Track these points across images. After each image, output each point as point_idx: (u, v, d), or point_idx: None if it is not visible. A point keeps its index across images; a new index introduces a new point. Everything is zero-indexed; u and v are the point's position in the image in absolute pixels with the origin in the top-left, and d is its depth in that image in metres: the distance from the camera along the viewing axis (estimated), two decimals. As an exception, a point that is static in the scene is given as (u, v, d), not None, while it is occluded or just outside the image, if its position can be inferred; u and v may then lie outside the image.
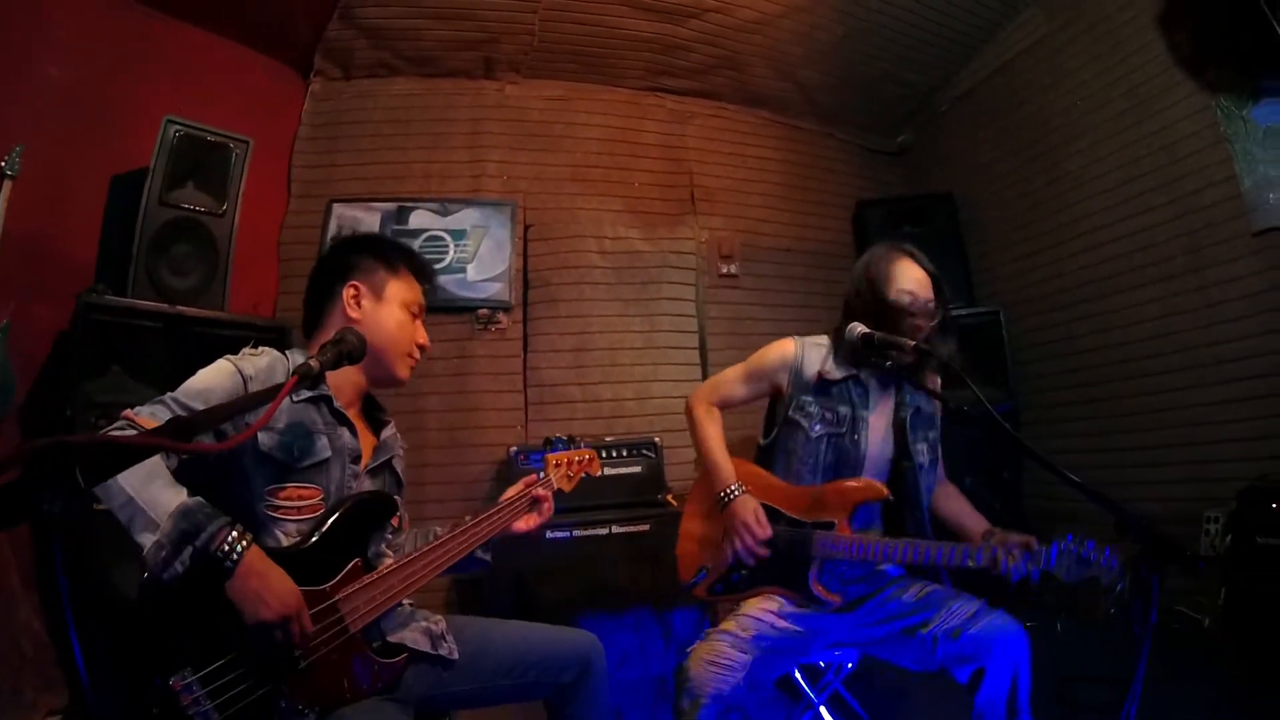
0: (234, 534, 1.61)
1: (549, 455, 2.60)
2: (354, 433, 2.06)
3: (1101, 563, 2.06)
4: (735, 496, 2.59)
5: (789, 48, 5.17)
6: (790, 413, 2.66)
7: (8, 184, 2.83)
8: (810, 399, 2.64)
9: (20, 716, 2.52)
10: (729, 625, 2.41)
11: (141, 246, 3.09)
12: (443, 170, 4.93)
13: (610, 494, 4.00)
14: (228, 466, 1.81)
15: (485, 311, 4.76)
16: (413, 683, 1.97)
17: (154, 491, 1.57)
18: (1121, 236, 4.34)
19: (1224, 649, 3.16)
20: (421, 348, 2.22)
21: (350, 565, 1.88)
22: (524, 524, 2.31)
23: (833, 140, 6.08)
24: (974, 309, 5.01)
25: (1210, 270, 3.88)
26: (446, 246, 4.77)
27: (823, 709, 2.87)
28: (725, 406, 2.86)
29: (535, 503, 2.35)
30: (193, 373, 1.86)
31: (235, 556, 1.60)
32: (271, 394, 1.52)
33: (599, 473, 2.76)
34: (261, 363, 1.92)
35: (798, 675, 2.81)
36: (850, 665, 2.83)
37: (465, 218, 4.85)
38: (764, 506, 2.57)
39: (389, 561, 2.01)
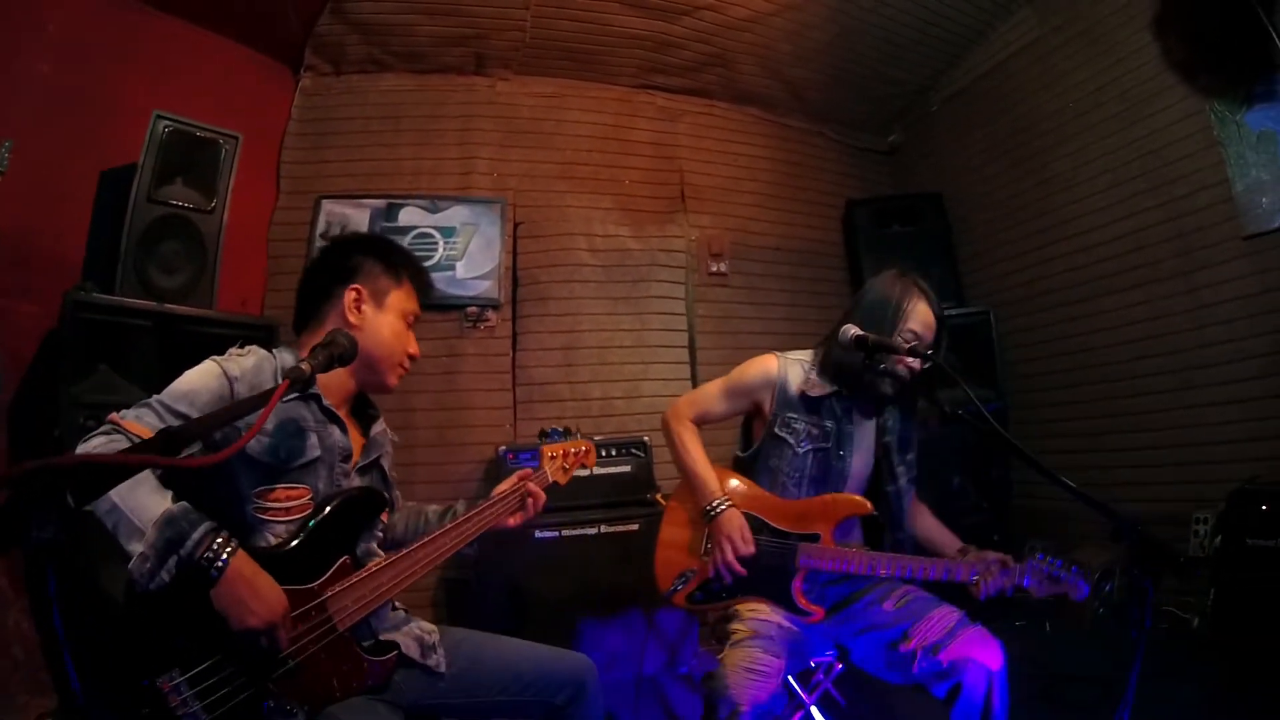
0: (219, 540, 1.60)
1: (544, 446, 2.58)
2: (344, 430, 2.05)
3: (1070, 580, 2.15)
4: (722, 511, 2.57)
5: (780, 46, 5.17)
6: (775, 429, 2.65)
7: (-4, 179, 2.80)
8: (796, 415, 2.63)
9: (11, 720, 2.51)
10: (745, 630, 2.39)
11: (130, 243, 3.06)
12: (433, 167, 4.91)
13: (599, 493, 4.00)
14: (216, 470, 1.78)
15: (474, 309, 4.74)
16: (403, 686, 1.96)
17: (139, 497, 1.56)
18: (1112, 239, 4.37)
19: (1213, 649, 3.18)
20: (412, 357, 2.20)
21: (338, 563, 1.86)
22: (515, 520, 2.30)
23: (822, 139, 6.09)
24: (964, 309, 5.01)
25: (1201, 273, 3.91)
26: (436, 244, 4.75)
27: (814, 709, 2.88)
28: (703, 422, 2.82)
29: (526, 498, 2.33)
30: (180, 372, 1.84)
31: (220, 564, 1.59)
32: (263, 400, 1.51)
33: (594, 464, 2.74)
34: (248, 363, 1.90)
35: (789, 676, 2.81)
36: (841, 666, 2.84)
37: (455, 215, 4.83)
38: (749, 516, 2.58)
39: (378, 559, 2.00)
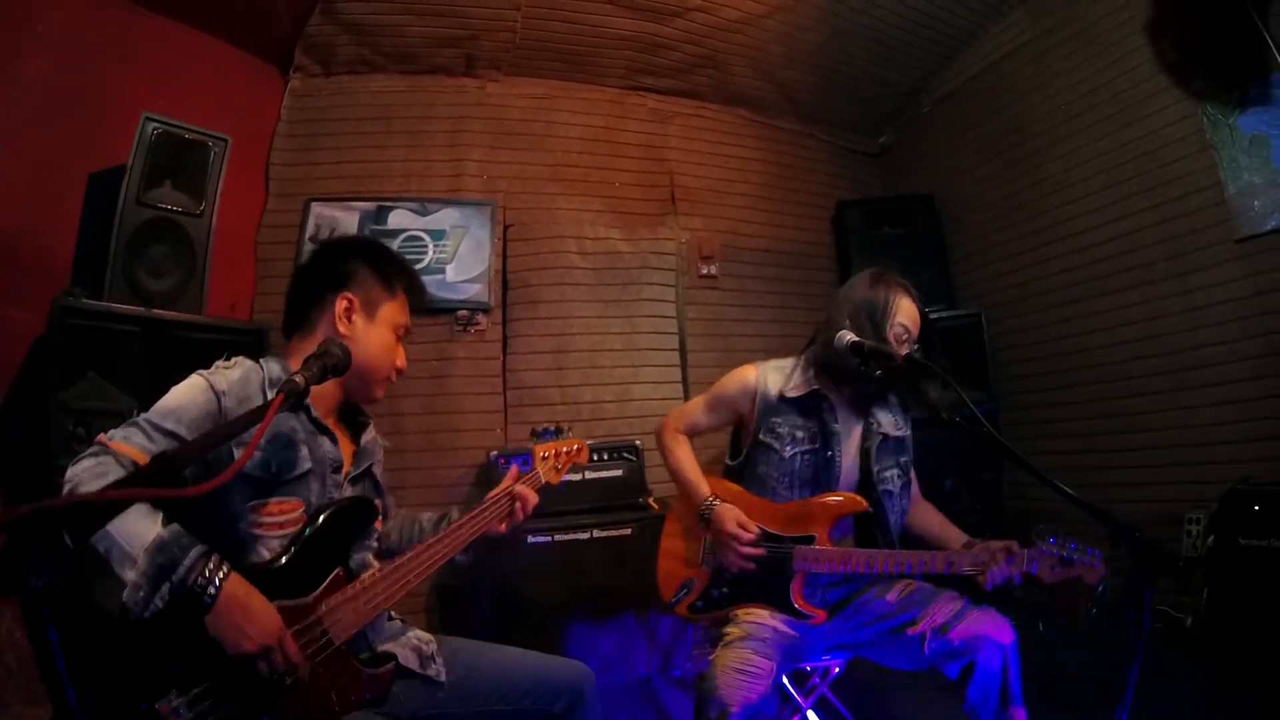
0: (210, 565, 1.58)
1: (536, 446, 2.56)
2: (334, 441, 2.02)
3: (1085, 562, 2.11)
4: (714, 508, 2.59)
5: (771, 47, 5.16)
6: (760, 436, 2.68)
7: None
8: (779, 420, 2.65)
9: (6, 730, 2.48)
10: (739, 632, 2.39)
11: (119, 247, 3.01)
12: (423, 169, 4.87)
13: (591, 497, 4.00)
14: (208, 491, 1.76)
15: (465, 313, 4.71)
16: (402, 698, 1.95)
17: (129, 523, 1.54)
18: (1105, 240, 4.38)
19: (1207, 648, 3.21)
20: (399, 371, 2.17)
21: (332, 576, 1.84)
22: (504, 525, 2.28)
23: (813, 140, 6.09)
24: (955, 310, 5.03)
25: (1193, 275, 3.92)
26: (425, 247, 4.72)
27: (810, 713, 2.88)
28: (693, 434, 2.88)
29: (516, 500, 2.29)
30: (168, 379, 1.82)
31: (214, 590, 1.56)
32: (257, 416, 1.49)
33: (587, 461, 2.73)
34: (234, 375, 1.87)
35: (785, 680, 2.80)
36: (837, 669, 2.84)
37: (445, 218, 4.80)
38: None
39: (372, 570, 1.97)
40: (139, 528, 1.54)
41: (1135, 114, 4.18)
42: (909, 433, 2.76)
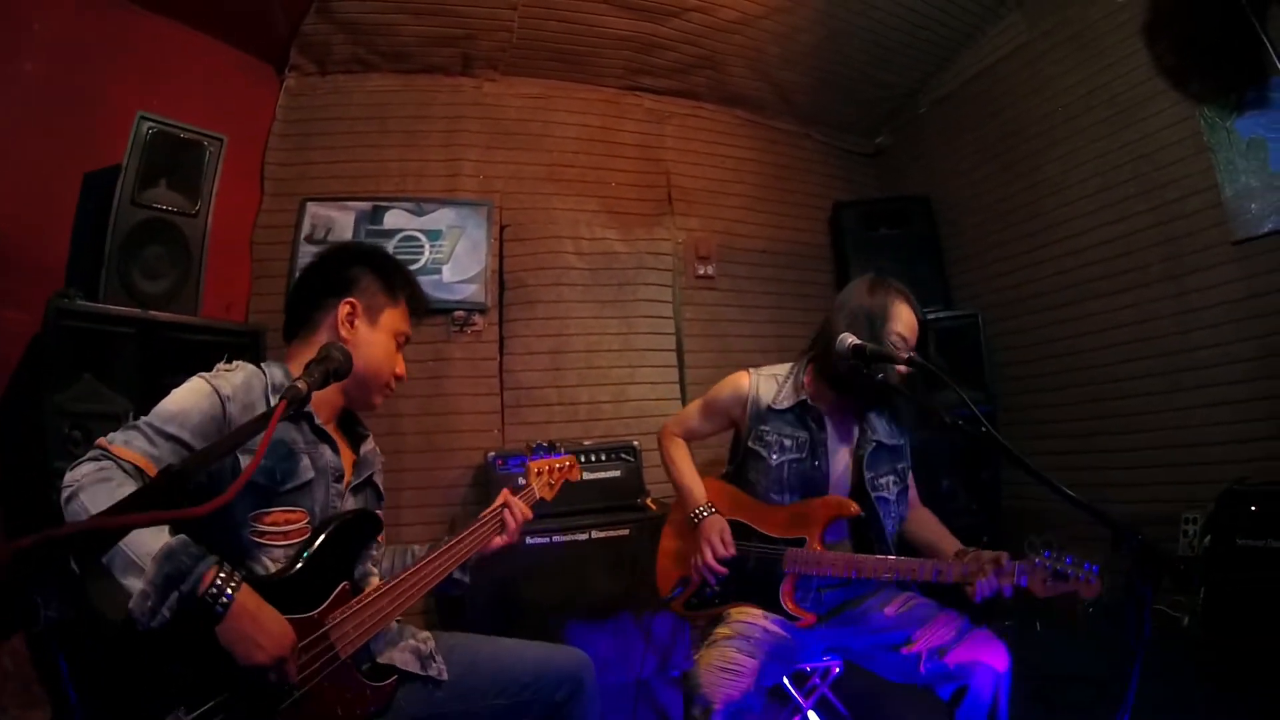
0: (222, 575, 1.55)
1: (530, 463, 2.61)
2: (335, 450, 2.02)
3: (1081, 577, 2.07)
4: (704, 517, 2.64)
5: (769, 48, 5.15)
6: (749, 443, 2.71)
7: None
8: (767, 428, 2.68)
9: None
10: (725, 631, 2.41)
11: (113, 248, 2.98)
12: (419, 169, 4.85)
13: (589, 498, 3.98)
14: (210, 496, 1.73)
15: (461, 313, 4.69)
16: (404, 704, 1.94)
17: (136, 531, 1.51)
18: (1101, 242, 4.39)
19: (1204, 648, 3.21)
20: (398, 378, 2.18)
21: (338, 589, 1.83)
22: (499, 541, 2.27)
23: (810, 141, 6.09)
24: (952, 311, 5.03)
25: (1189, 277, 3.93)
26: (422, 247, 4.70)
27: (811, 713, 2.89)
28: (690, 439, 2.94)
29: (508, 507, 2.30)
30: (163, 380, 1.81)
31: (225, 599, 1.54)
32: (260, 425, 1.47)
33: (578, 478, 2.76)
34: (237, 379, 1.86)
35: (785, 680, 2.81)
36: (838, 670, 2.85)
37: (441, 218, 4.79)
38: (737, 523, 2.62)
39: (375, 583, 1.96)
40: (145, 536, 1.51)
41: (1132, 117, 4.18)
42: (906, 440, 2.76)
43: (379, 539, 2.11)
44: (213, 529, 1.69)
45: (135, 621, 1.47)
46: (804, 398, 2.64)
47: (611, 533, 3.89)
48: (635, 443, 4.26)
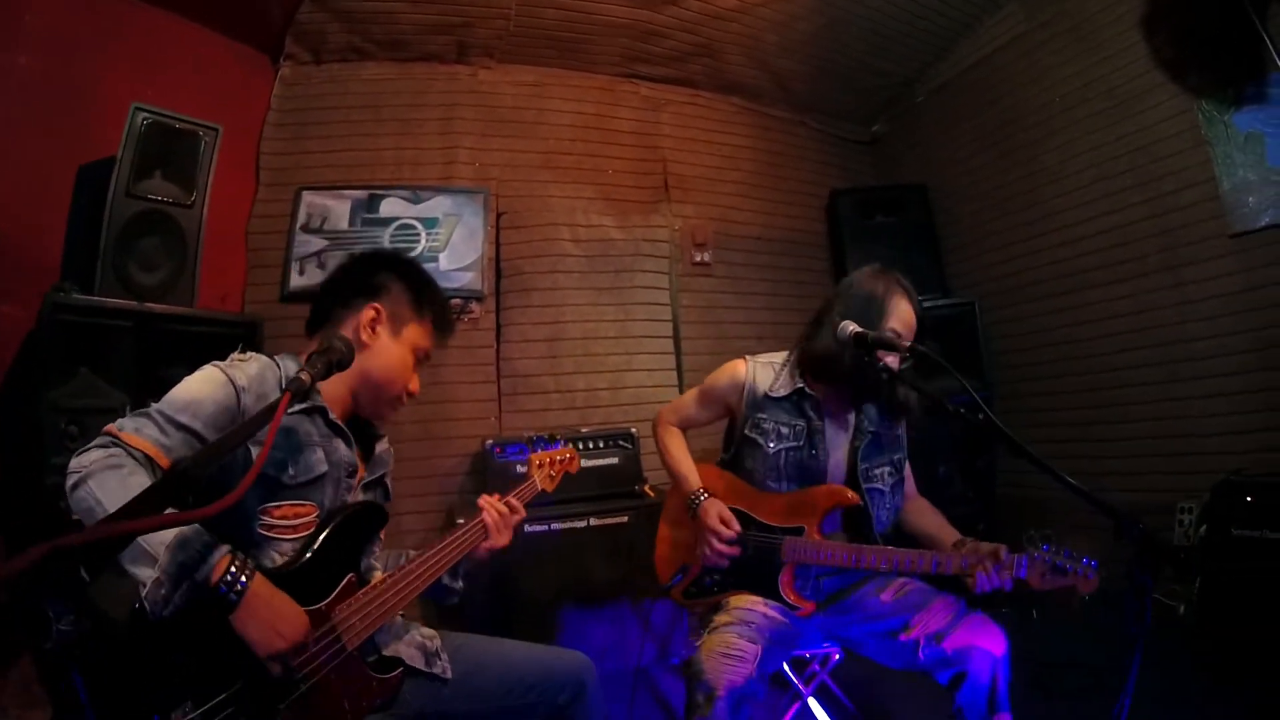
0: (236, 563, 1.56)
1: (532, 455, 2.61)
2: (350, 444, 2.01)
3: (1079, 571, 2.06)
4: (701, 502, 2.63)
5: (767, 36, 5.14)
6: (746, 430, 2.70)
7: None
8: (764, 415, 2.67)
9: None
10: (726, 618, 2.40)
11: (109, 240, 2.96)
12: (414, 157, 4.84)
13: (587, 486, 3.98)
14: (220, 487, 1.72)
15: (458, 301, 4.68)
16: (409, 697, 1.94)
17: None
18: (1097, 233, 4.40)
19: (1200, 637, 3.24)
20: (410, 394, 2.15)
21: (345, 581, 1.83)
22: (488, 544, 2.21)
23: (806, 128, 6.09)
24: (949, 299, 5.04)
25: (1186, 269, 3.95)
26: (418, 235, 4.70)
27: (811, 700, 2.91)
28: (686, 427, 2.92)
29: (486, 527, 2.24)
30: (160, 372, 1.79)
31: (240, 588, 1.54)
32: (267, 416, 1.46)
33: (578, 470, 2.75)
34: (251, 370, 1.84)
35: (785, 667, 2.84)
36: (837, 657, 2.86)
37: (437, 205, 4.78)
38: (734, 511, 2.60)
39: (379, 574, 1.97)
40: None
41: (1130, 109, 4.19)
42: (902, 430, 2.75)
43: (381, 534, 2.11)
44: (222, 522, 1.66)
45: (147, 611, 1.46)
46: (801, 385, 2.63)
47: (610, 520, 3.91)
48: (633, 430, 4.28)
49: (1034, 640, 3.51)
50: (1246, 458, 3.52)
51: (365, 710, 1.80)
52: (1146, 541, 1.77)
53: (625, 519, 3.91)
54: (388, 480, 2.23)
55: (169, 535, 1.50)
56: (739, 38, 5.12)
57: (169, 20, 4.04)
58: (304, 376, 1.60)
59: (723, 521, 2.55)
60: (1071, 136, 4.54)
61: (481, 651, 2.17)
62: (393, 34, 4.69)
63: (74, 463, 1.56)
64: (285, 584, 1.66)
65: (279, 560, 1.78)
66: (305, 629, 1.62)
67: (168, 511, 1.26)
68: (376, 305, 2.05)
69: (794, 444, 2.62)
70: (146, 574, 1.47)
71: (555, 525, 3.81)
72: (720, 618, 2.42)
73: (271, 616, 1.57)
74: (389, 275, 2.11)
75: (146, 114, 3.13)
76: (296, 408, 1.84)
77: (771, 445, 2.63)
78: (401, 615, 2.10)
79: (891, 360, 2.46)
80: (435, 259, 4.68)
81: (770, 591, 2.49)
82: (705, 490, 2.66)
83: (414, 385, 2.15)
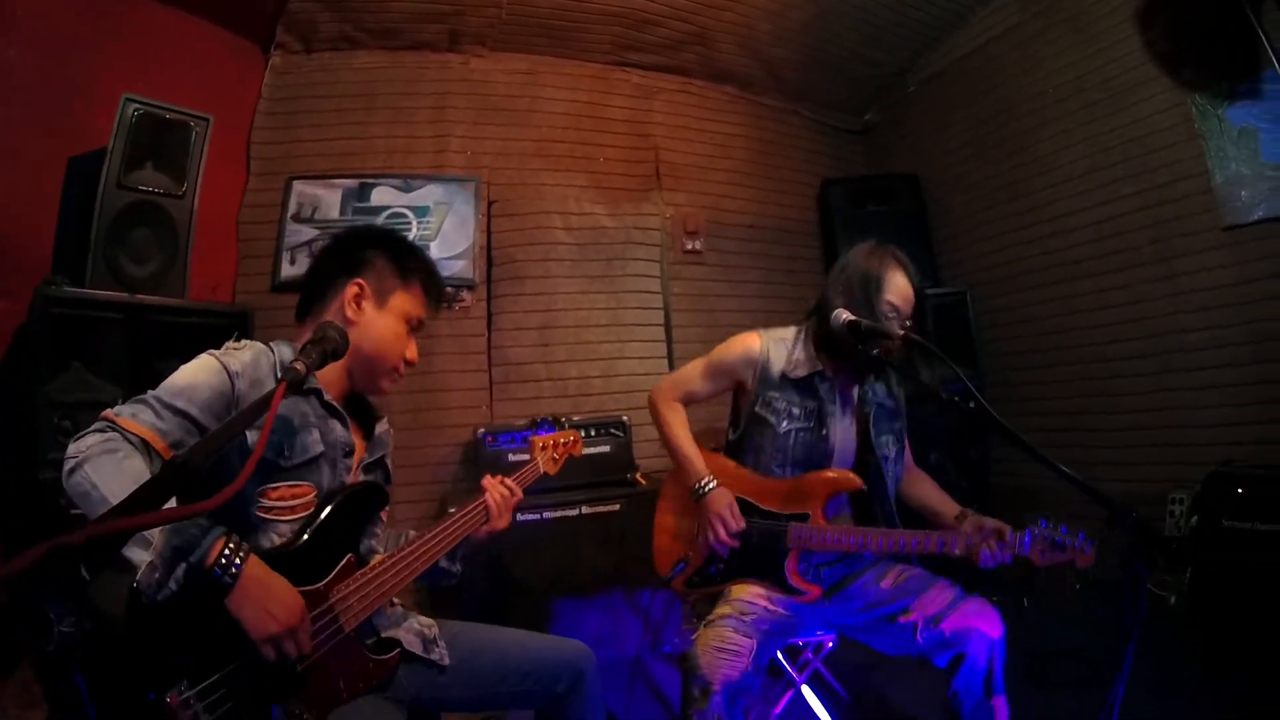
0: (230, 546, 1.55)
1: (534, 438, 2.57)
2: (345, 425, 2.00)
3: (1076, 546, 2.11)
4: (709, 490, 2.59)
5: (759, 25, 5.13)
6: (756, 408, 2.66)
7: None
8: (777, 394, 2.63)
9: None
10: (725, 611, 2.40)
11: (100, 232, 2.95)
12: (406, 146, 4.83)
13: (580, 474, 3.97)
14: (216, 475, 1.71)
15: (449, 290, 4.67)
16: (406, 682, 1.95)
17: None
18: (1089, 224, 4.42)
19: (1190, 627, 3.27)
20: (409, 363, 2.12)
21: (344, 561, 1.82)
22: (487, 528, 2.21)
23: (797, 117, 6.09)
24: (941, 289, 5.04)
25: (1179, 261, 3.98)
26: (409, 223, 4.69)
27: (805, 688, 2.93)
28: (689, 402, 2.83)
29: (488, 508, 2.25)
30: (151, 364, 1.78)
31: (234, 570, 1.54)
32: (263, 406, 1.44)
33: (580, 453, 2.72)
34: (246, 357, 1.84)
35: (779, 655, 2.84)
36: (830, 644, 2.87)
37: (428, 194, 4.77)
38: (737, 499, 2.58)
39: (379, 555, 1.97)
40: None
41: (1123, 101, 4.20)
42: (902, 401, 2.75)
43: (382, 515, 2.10)
44: (220, 507, 1.68)
45: (142, 594, 1.47)
46: (820, 367, 2.60)
47: (602, 508, 3.93)
48: (625, 418, 4.29)
49: (1028, 630, 3.53)
50: (1237, 449, 3.54)
51: (361, 691, 1.79)
52: (1141, 531, 1.78)
53: (617, 507, 3.93)
54: (388, 461, 2.21)
55: None
56: (732, 26, 5.11)
57: (159, 11, 4.01)
58: (299, 366, 1.59)
59: (731, 512, 2.53)
60: (1065, 128, 4.55)
61: (479, 639, 2.16)
62: (384, 22, 4.66)
63: (71, 447, 1.56)
64: (283, 564, 1.66)
65: (277, 541, 1.77)
66: (300, 612, 1.62)
67: (169, 504, 1.25)
68: (360, 281, 2.02)
69: (804, 425, 2.60)
70: (141, 557, 1.48)
71: (548, 513, 3.82)
72: (719, 610, 2.42)
73: (266, 599, 1.57)
74: (370, 249, 2.08)
75: (137, 105, 3.11)
76: (290, 392, 1.83)
77: (783, 425, 2.60)
78: (402, 605, 2.11)
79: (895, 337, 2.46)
80: (426, 247, 4.63)
81: (776, 577, 2.49)
82: (713, 478, 2.61)
83: (411, 353, 2.11)
